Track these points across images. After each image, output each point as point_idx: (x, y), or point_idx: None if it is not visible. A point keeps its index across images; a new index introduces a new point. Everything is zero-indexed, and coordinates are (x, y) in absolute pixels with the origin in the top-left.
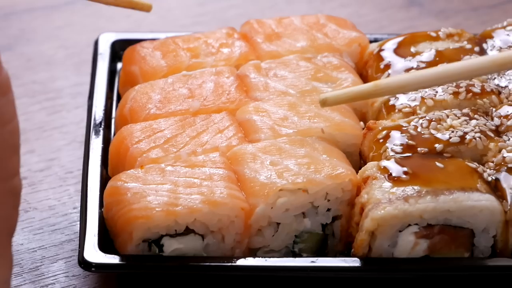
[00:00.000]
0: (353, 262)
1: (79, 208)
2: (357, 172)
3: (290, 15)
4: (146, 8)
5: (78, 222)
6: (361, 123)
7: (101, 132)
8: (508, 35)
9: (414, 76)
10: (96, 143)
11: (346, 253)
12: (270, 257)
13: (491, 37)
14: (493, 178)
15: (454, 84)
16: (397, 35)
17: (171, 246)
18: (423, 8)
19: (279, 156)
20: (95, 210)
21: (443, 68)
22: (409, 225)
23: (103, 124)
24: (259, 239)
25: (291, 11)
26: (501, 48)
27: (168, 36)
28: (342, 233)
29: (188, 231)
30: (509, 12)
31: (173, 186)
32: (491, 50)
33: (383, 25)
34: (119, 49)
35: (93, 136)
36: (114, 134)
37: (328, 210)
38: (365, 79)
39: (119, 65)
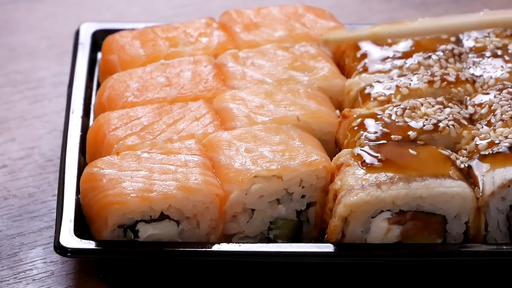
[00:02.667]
0: (326, 247)
1: None
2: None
3: (271, 4)
4: None
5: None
6: (337, 111)
7: (80, 120)
8: None
9: (407, 26)
10: (75, 131)
11: (321, 240)
12: (245, 243)
13: None
14: (466, 165)
15: (429, 72)
16: (374, 25)
17: (146, 232)
18: (404, 0)
19: (254, 143)
20: (72, 196)
21: (434, 20)
22: (382, 211)
23: (82, 112)
24: (234, 225)
25: (273, 2)
26: (476, 38)
27: (147, 25)
28: (316, 220)
29: (163, 217)
30: (488, 3)
31: (149, 172)
32: (467, 40)
33: (364, 17)
34: (100, 39)
35: (71, 124)
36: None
37: (303, 196)
38: (341, 68)
39: (100, 55)
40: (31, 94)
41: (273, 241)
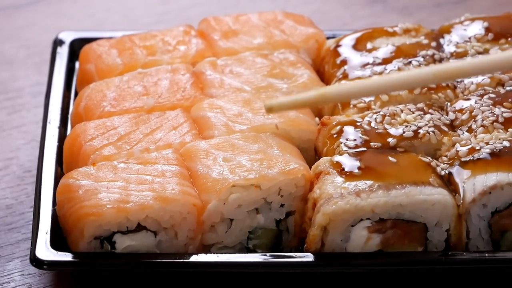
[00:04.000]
0: (305, 257)
1: None
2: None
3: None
4: None
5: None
6: (317, 119)
7: (57, 131)
8: (465, 30)
9: (358, 85)
10: (52, 142)
11: (301, 249)
12: (223, 253)
13: (449, 32)
14: (446, 172)
15: None
16: (355, 31)
17: (123, 243)
18: (387, 5)
19: (232, 152)
20: (48, 208)
21: (386, 77)
22: (362, 219)
23: (59, 122)
24: (212, 235)
25: (255, 9)
26: (457, 43)
27: (126, 34)
28: (296, 229)
29: (140, 227)
30: (472, 8)
31: (125, 183)
32: (447, 45)
33: (347, 22)
34: (78, 48)
35: (48, 134)
36: None
37: (282, 205)
38: (321, 75)
39: (78, 64)
40: (9, 104)
41: (253, 250)
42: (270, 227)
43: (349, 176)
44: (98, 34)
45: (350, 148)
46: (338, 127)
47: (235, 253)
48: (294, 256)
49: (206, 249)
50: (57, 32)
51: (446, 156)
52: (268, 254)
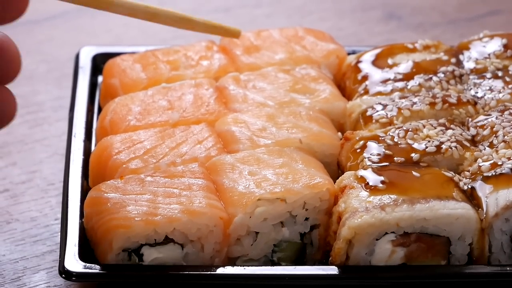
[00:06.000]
0: (330, 270)
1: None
2: (335, 182)
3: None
4: (236, 35)
5: (60, 233)
6: (339, 133)
7: (82, 144)
8: (484, 46)
9: None
10: (77, 155)
11: (325, 262)
12: (249, 266)
13: (468, 48)
14: (469, 186)
15: (431, 94)
16: (375, 47)
17: (150, 256)
18: (402, 22)
19: (257, 166)
20: (75, 220)
21: None
22: (386, 233)
23: (83, 136)
24: (238, 248)
25: (271, 25)
26: (477, 59)
27: (148, 49)
28: (320, 242)
29: (167, 240)
30: (486, 25)
31: (153, 196)
32: (467, 61)
33: (362, 38)
34: (100, 62)
35: (74, 148)
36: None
37: (306, 219)
38: (342, 90)
39: (100, 79)
40: (31, 118)
41: (277, 263)
42: (295, 240)
43: (373, 190)
44: (119, 49)
45: (374, 162)
46: (362, 142)
47: (260, 266)
48: (320, 269)
49: (232, 262)
50: (76, 46)
51: (469, 171)
52: (294, 267)
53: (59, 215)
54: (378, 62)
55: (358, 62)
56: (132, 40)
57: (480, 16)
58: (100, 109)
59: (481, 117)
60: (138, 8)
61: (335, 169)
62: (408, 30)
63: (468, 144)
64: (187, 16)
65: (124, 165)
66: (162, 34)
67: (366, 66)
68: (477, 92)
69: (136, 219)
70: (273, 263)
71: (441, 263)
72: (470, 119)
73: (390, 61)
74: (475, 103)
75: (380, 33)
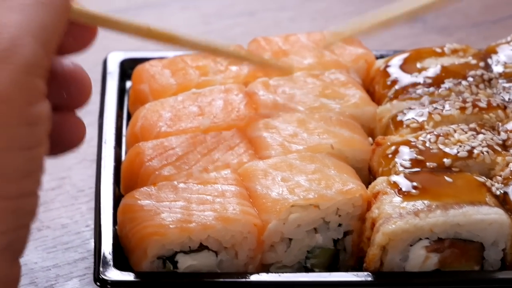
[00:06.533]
0: (365, 276)
1: (92, 226)
2: (366, 188)
3: (294, 32)
4: (288, 72)
5: (91, 240)
6: (370, 138)
7: (113, 151)
8: None
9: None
10: (108, 161)
11: (358, 268)
12: (283, 272)
13: (496, 52)
14: (501, 191)
15: (461, 99)
16: (403, 51)
17: (185, 263)
18: (426, 25)
19: (290, 172)
20: (109, 228)
21: None
22: (420, 239)
23: (114, 142)
24: (272, 254)
25: (295, 29)
26: (506, 63)
27: (176, 54)
28: (353, 248)
29: (202, 247)
30: (510, 27)
31: (186, 203)
32: (495, 65)
33: (387, 42)
34: (127, 67)
35: (104, 154)
36: (125, 152)
37: (339, 225)
38: (371, 95)
39: (128, 84)
40: None
41: (311, 270)
42: (328, 247)
43: (407, 196)
44: (147, 54)
45: (406, 168)
46: (393, 147)
47: (293, 272)
48: (355, 275)
49: (265, 269)
50: (102, 52)
51: (501, 175)
52: (329, 273)
53: (90, 222)
54: (406, 66)
55: (387, 66)
56: (158, 45)
57: (505, 18)
58: (129, 115)
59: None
60: (200, 44)
61: (366, 174)
62: (432, 33)
63: (499, 149)
64: (244, 55)
65: (156, 172)
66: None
67: (395, 70)
68: (506, 96)
69: (170, 226)
70: (306, 270)
71: (475, 269)
72: (500, 124)
73: (418, 65)
74: (505, 108)
75: (405, 37)
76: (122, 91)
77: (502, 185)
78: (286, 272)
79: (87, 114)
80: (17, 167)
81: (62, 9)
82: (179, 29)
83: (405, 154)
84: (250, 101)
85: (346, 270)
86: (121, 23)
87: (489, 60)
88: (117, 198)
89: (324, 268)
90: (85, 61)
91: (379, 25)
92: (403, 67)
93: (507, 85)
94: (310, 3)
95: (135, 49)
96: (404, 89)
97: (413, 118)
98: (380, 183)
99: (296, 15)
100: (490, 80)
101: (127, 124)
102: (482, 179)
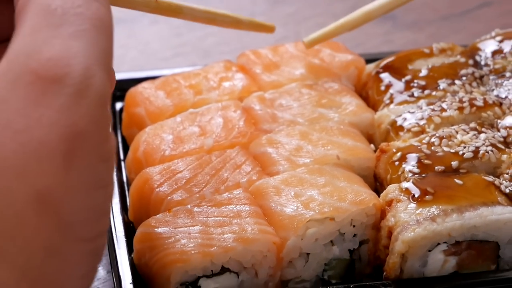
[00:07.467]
0: (388, 285)
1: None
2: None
3: (267, 39)
4: (270, 29)
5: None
6: (372, 145)
7: (115, 177)
8: (498, 45)
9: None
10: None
11: (374, 276)
12: (302, 287)
13: (481, 48)
14: (510, 189)
15: (457, 99)
16: (392, 53)
17: (208, 287)
18: (396, 22)
19: (301, 187)
20: (125, 257)
21: None
22: (438, 244)
23: (115, 168)
24: (291, 270)
25: (268, 35)
26: (494, 59)
27: (156, 73)
28: (370, 257)
29: (223, 270)
30: (478, 18)
31: (204, 227)
32: (484, 62)
33: (361, 42)
34: (116, 89)
35: None
36: (126, 178)
37: (354, 235)
38: (365, 100)
39: (118, 105)
40: None
41: (328, 281)
42: (344, 257)
43: (421, 202)
44: (132, 74)
45: (415, 173)
46: (399, 154)
47: (311, 286)
48: (378, 284)
49: (284, 285)
50: None
51: (507, 173)
52: (352, 284)
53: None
54: (398, 69)
55: (378, 71)
56: (133, 61)
57: (472, 9)
58: (123, 138)
59: (509, 118)
60: (201, 14)
61: (372, 182)
62: (403, 29)
63: (502, 147)
64: (237, 18)
65: (168, 197)
66: (161, 53)
67: (387, 75)
68: (500, 93)
69: (192, 252)
70: (323, 282)
71: (491, 268)
72: (498, 121)
73: (410, 68)
74: (501, 104)
75: (378, 35)
76: (113, 114)
77: (510, 183)
78: (305, 287)
79: None
80: (97, 207)
81: (112, 30)
82: (152, 43)
83: (412, 160)
84: (248, 116)
85: (361, 279)
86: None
87: (477, 57)
88: (127, 226)
89: (340, 278)
90: None
91: (357, 22)
92: (395, 70)
93: (499, 81)
94: (279, 8)
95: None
96: (399, 93)
97: (413, 122)
98: (392, 191)
99: (267, 20)
100: (481, 77)
101: (123, 148)
102: (490, 178)
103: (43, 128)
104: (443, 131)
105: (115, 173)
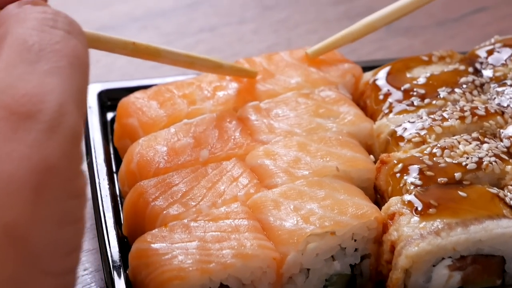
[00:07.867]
0: None
1: (91, 270)
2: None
3: (258, 45)
4: (253, 75)
5: (92, 285)
6: (371, 156)
7: (108, 191)
8: (498, 52)
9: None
10: (106, 202)
11: None
12: None
13: (480, 56)
14: None
15: (458, 108)
16: (390, 60)
17: None
18: (391, 28)
19: (300, 200)
20: (120, 274)
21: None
22: (443, 258)
23: (107, 180)
24: (291, 287)
25: (259, 41)
26: (494, 66)
27: (147, 82)
28: (372, 272)
29: (222, 287)
30: (474, 24)
31: (202, 242)
32: (484, 69)
33: (355, 48)
34: (106, 99)
35: (102, 194)
36: (119, 190)
37: (356, 250)
38: (363, 109)
39: (109, 115)
40: None
41: None
42: (345, 273)
43: (424, 215)
44: (123, 84)
45: (417, 185)
46: (400, 165)
47: None
48: None
49: None
50: None
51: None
52: None
53: (88, 265)
54: (396, 78)
55: (376, 79)
56: (122, 69)
57: (467, 14)
58: (115, 149)
59: (511, 127)
60: (181, 58)
61: (372, 194)
62: (398, 35)
63: (506, 157)
64: (218, 62)
65: (164, 212)
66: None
67: (385, 83)
68: (501, 101)
69: (190, 269)
70: None
71: (497, 283)
72: (500, 130)
73: (408, 76)
74: (503, 113)
75: (372, 41)
76: (104, 125)
77: None
78: None
79: None
80: (66, 242)
81: (88, 68)
82: None
83: (414, 171)
84: (244, 127)
85: None
86: (108, 41)
87: (476, 65)
88: (121, 240)
89: None
90: None
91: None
92: (393, 79)
93: (500, 89)
94: (269, 14)
95: (99, 76)
96: (398, 102)
97: (414, 132)
98: (394, 203)
99: (258, 27)
100: (482, 85)
101: (115, 159)
102: (494, 190)
103: (13, 162)
104: (444, 141)
105: (107, 187)
